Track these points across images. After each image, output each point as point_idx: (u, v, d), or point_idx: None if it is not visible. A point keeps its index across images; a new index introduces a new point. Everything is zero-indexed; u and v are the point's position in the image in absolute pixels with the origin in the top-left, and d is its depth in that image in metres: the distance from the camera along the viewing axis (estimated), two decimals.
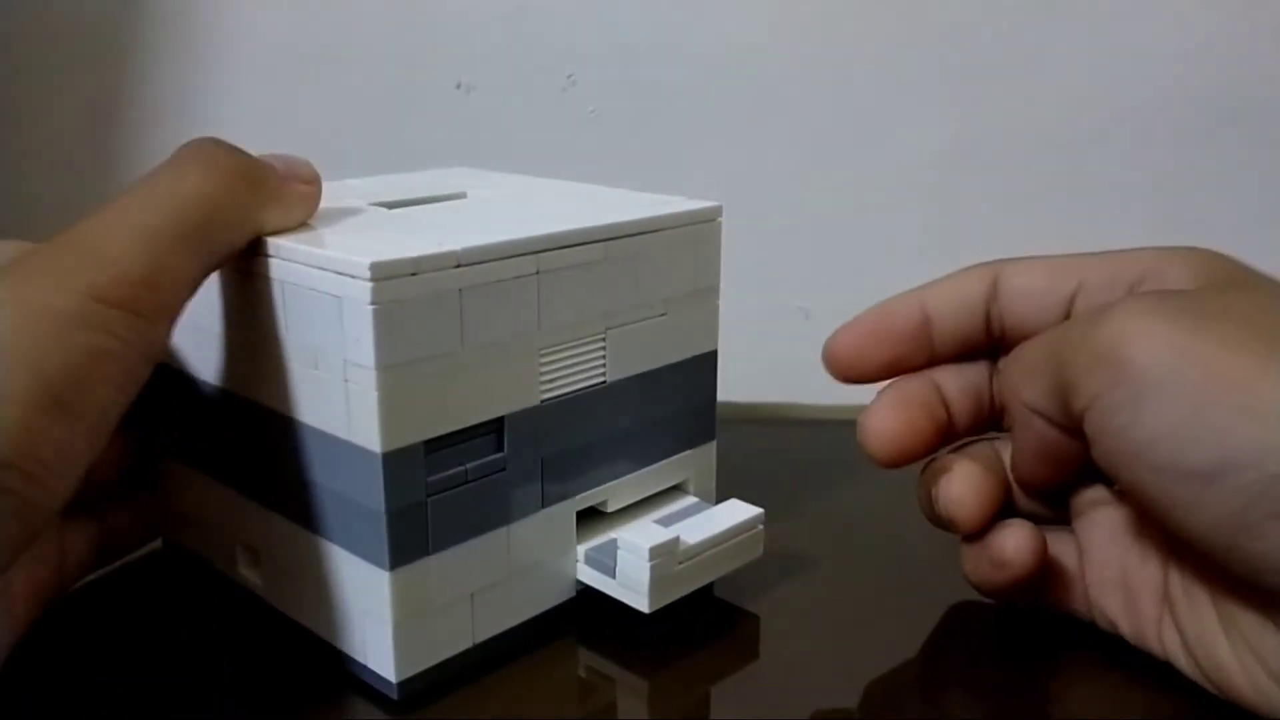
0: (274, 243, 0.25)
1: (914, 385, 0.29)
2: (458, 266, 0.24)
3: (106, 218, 0.23)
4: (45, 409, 0.20)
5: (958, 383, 0.29)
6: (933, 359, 0.29)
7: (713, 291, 0.31)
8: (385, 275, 0.23)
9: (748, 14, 0.56)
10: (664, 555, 0.27)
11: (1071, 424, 0.25)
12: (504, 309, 0.25)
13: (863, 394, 0.30)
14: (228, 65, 0.58)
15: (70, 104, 0.61)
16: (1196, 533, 0.22)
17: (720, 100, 0.57)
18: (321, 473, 0.26)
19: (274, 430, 0.26)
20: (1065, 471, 0.27)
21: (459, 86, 0.58)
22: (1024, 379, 0.26)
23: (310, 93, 0.59)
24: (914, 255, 0.56)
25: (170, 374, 0.30)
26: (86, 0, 0.59)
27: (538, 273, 0.26)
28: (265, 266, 0.25)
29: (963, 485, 0.27)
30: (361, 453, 0.24)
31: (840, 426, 0.42)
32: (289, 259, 0.25)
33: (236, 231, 0.25)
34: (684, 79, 0.57)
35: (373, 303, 0.23)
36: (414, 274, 0.23)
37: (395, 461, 0.24)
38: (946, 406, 0.29)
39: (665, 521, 0.29)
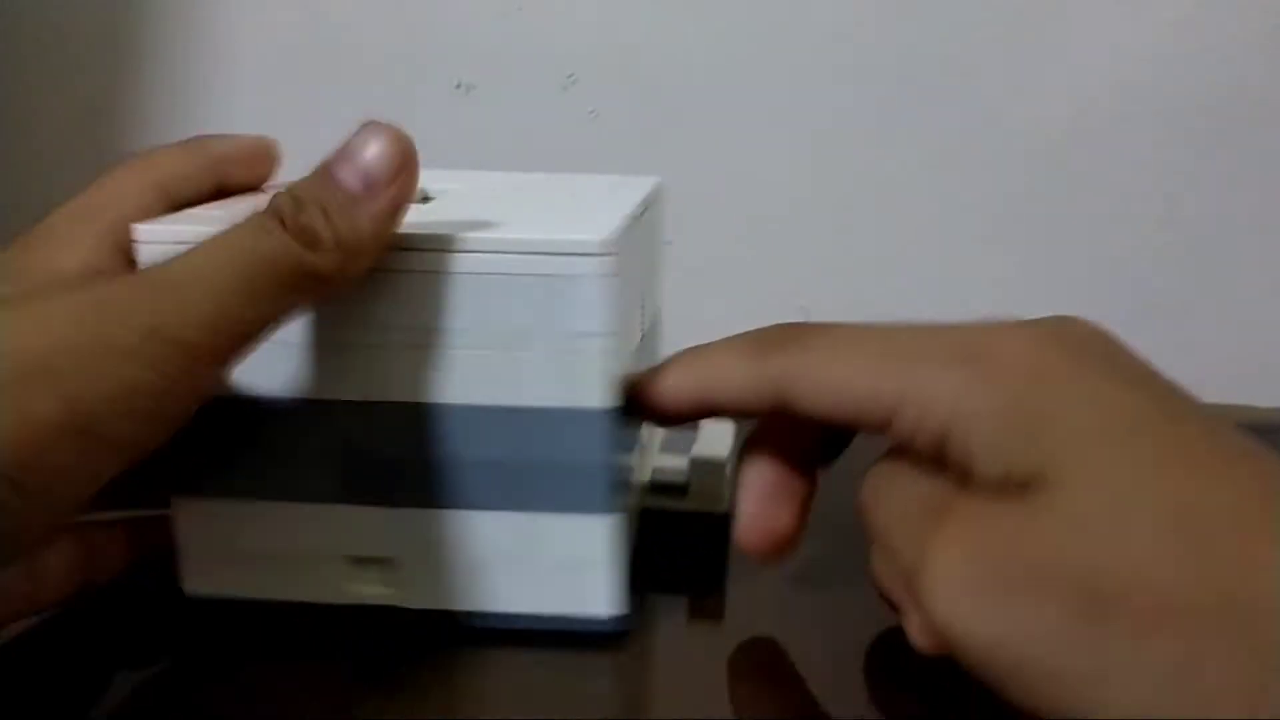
0: (437, 237, 0.26)
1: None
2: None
3: (187, 261, 0.23)
4: (67, 433, 0.20)
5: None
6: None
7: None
8: (609, 250, 0.26)
9: (748, 14, 0.56)
10: None
11: None
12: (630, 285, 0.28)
13: None
14: (227, 65, 0.58)
15: (70, 104, 0.61)
16: None
17: (720, 100, 0.57)
18: (522, 448, 0.27)
19: (434, 423, 0.27)
20: None
21: (459, 86, 0.58)
22: (877, 553, 0.27)
23: (310, 93, 0.59)
24: (914, 255, 0.56)
25: (219, 405, 0.27)
26: (86, 0, 0.59)
27: None
28: (425, 262, 0.26)
29: (919, 629, 0.25)
30: (585, 414, 0.27)
31: None
32: (476, 250, 0.26)
33: (315, 295, 0.25)
34: (684, 79, 0.57)
35: (604, 274, 0.26)
36: (617, 252, 0.27)
37: (612, 419, 0.27)
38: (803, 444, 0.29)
39: None
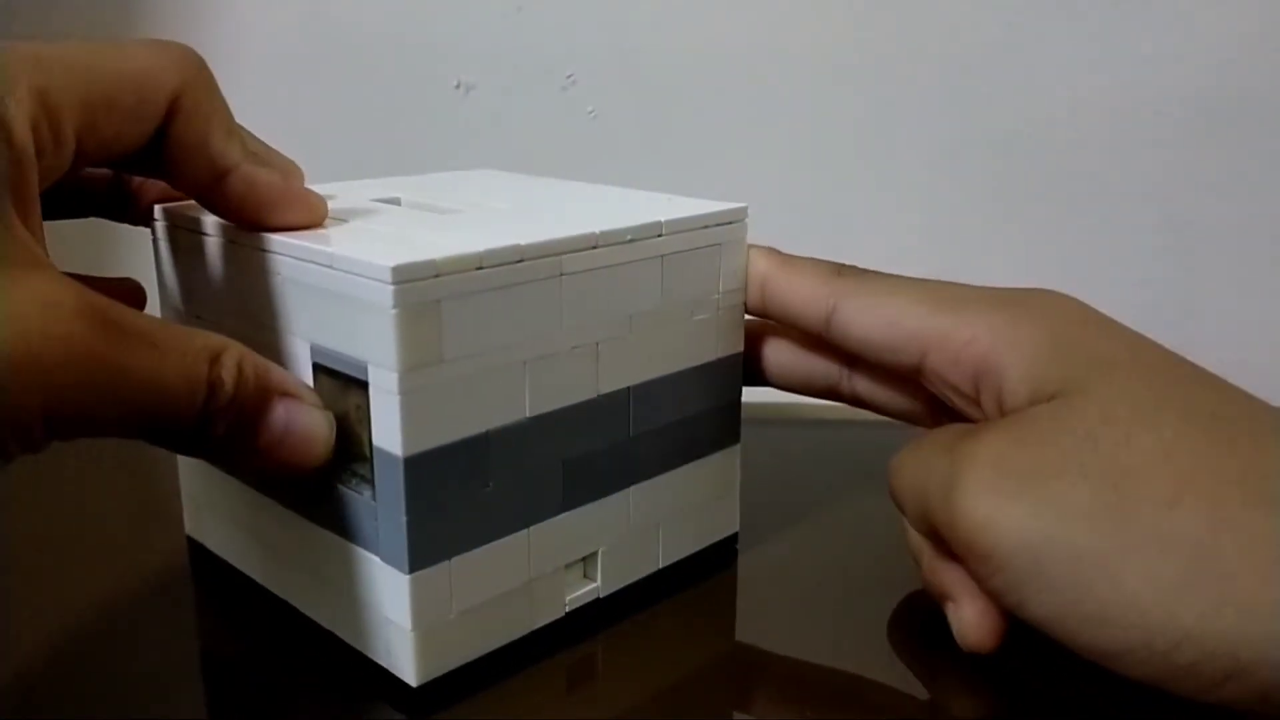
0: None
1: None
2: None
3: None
4: None
5: (790, 358, 0.31)
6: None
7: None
8: (744, 215, 0.30)
9: (748, 14, 0.56)
10: None
11: None
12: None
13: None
14: (227, 65, 0.58)
15: None
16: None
17: (720, 100, 0.57)
18: (691, 404, 0.30)
19: (636, 404, 0.28)
20: None
21: (458, 86, 0.58)
22: (906, 513, 0.27)
23: (310, 92, 0.59)
24: (914, 254, 0.56)
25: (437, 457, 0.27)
26: (86, 0, 0.59)
27: (561, 275, 0.26)
28: (623, 254, 0.27)
29: (973, 617, 0.26)
30: (734, 359, 0.31)
31: (844, 426, 0.43)
32: (661, 234, 0.28)
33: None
34: (684, 79, 0.57)
35: (745, 235, 0.30)
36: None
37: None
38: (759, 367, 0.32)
39: None
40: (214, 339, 0.23)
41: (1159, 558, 0.20)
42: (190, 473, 0.32)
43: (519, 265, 0.24)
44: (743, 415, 0.32)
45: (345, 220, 0.27)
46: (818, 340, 0.30)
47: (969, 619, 0.26)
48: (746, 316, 0.31)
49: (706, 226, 0.29)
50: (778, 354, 0.31)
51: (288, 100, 0.59)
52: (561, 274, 0.25)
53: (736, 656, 0.28)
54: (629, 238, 0.27)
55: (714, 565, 0.32)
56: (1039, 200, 0.56)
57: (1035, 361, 0.24)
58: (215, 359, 0.22)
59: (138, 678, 0.27)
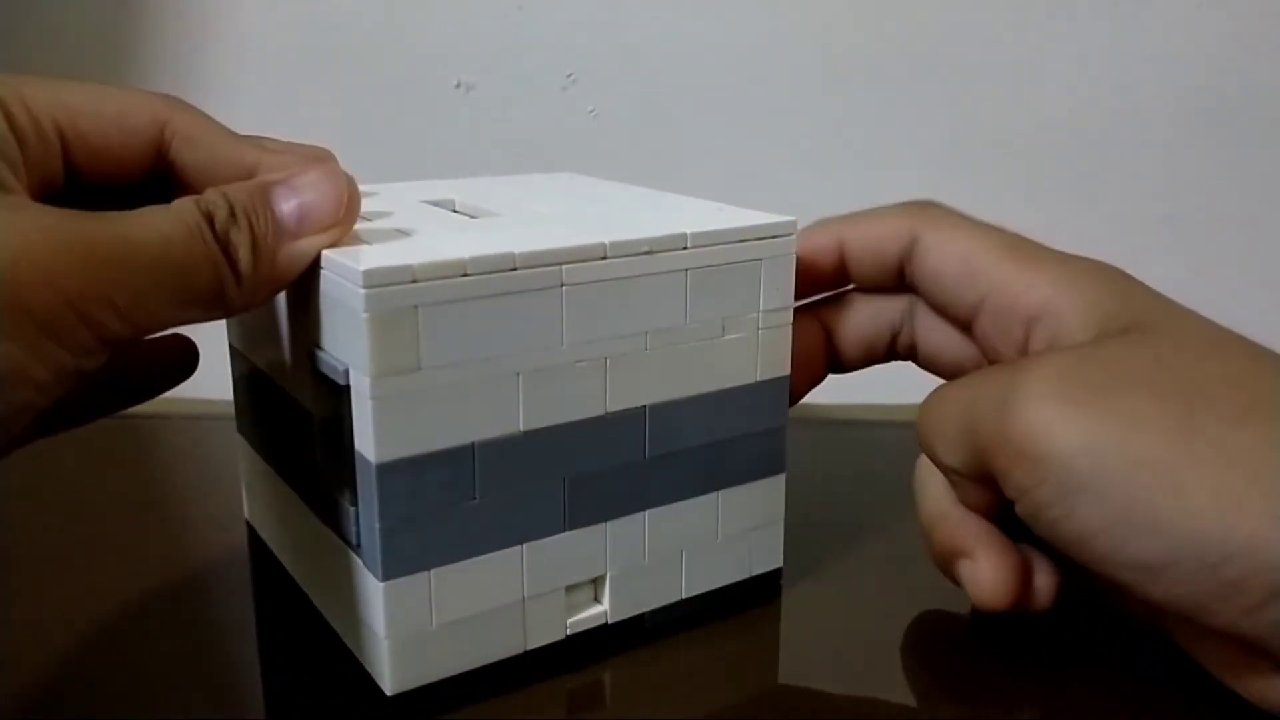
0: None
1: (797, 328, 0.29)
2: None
3: (122, 232, 0.21)
4: None
5: (860, 316, 0.30)
6: (846, 282, 0.31)
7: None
8: (793, 229, 0.28)
9: (747, 14, 0.56)
10: None
11: (998, 486, 0.24)
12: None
13: (869, 394, 0.30)
14: (227, 65, 0.58)
15: None
16: (1152, 601, 0.22)
17: (720, 100, 0.57)
18: (719, 429, 0.28)
19: (651, 424, 0.27)
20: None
21: (458, 86, 0.58)
22: (940, 443, 0.26)
23: (310, 92, 0.59)
24: None
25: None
26: (86, 0, 0.59)
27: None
28: (652, 265, 0.26)
29: (990, 571, 0.26)
30: (776, 384, 0.28)
31: (845, 426, 0.43)
32: (688, 246, 0.26)
33: (205, 316, 0.23)
34: (684, 79, 0.57)
35: (792, 251, 0.28)
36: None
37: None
38: (830, 345, 0.30)
39: None
40: (190, 199, 0.23)
41: (1222, 471, 0.21)
42: (244, 457, 0.32)
43: (512, 274, 0.24)
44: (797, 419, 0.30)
45: (371, 221, 0.27)
46: (876, 291, 0.30)
47: (986, 572, 0.25)
48: (800, 302, 0.29)
49: (744, 240, 0.27)
50: (844, 315, 0.31)
51: (288, 100, 0.59)
52: (562, 284, 0.24)
53: (775, 697, 0.27)
54: (646, 249, 0.25)
55: (752, 599, 0.30)
56: (1039, 200, 0.56)
57: (1099, 304, 0.25)
58: (198, 200, 0.22)
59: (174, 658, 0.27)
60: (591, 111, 0.58)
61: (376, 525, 0.23)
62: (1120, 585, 0.23)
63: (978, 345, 0.29)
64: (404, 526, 0.24)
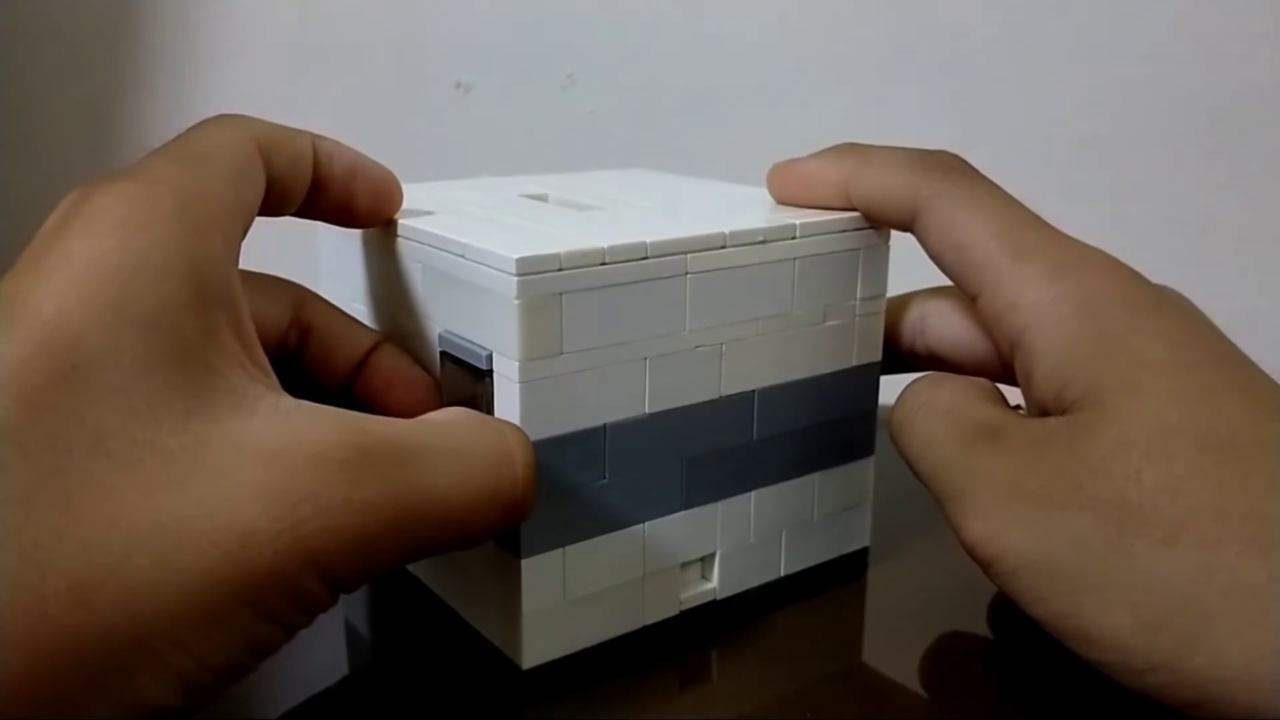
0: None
1: None
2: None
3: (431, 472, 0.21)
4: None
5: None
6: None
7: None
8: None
9: (747, 14, 0.56)
10: None
11: None
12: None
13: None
14: (227, 65, 0.58)
15: (70, 104, 0.61)
16: None
17: (720, 100, 0.57)
18: (819, 412, 0.29)
19: (761, 407, 0.28)
20: None
21: (458, 85, 0.58)
22: (908, 453, 0.26)
23: (310, 92, 0.59)
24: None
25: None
26: (86, 0, 0.59)
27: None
28: (761, 254, 0.27)
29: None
30: (869, 369, 0.30)
31: None
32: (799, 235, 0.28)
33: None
34: (684, 79, 0.57)
35: (887, 242, 0.29)
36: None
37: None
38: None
39: None
40: (494, 427, 0.23)
41: (1143, 597, 0.21)
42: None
43: (643, 262, 0.25)
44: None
45: (486, 213, 0.28)
46: None
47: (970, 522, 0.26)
48: None
49: (845, 230, 0.28)
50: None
51: (288, 99, 0.59)
52: (687, 272, 0.26)
53: (855, 675, 0.27)
54: (760, 239, 0.27)
55: (841, 578, 0.31)
56: (1039, 200, 0.56)
57: (1067, 358, 0.24)
58: (507, 460, 0.22)
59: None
60: (591, 111, 0.58)
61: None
62: None
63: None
64: (541, 505, 0.24)
